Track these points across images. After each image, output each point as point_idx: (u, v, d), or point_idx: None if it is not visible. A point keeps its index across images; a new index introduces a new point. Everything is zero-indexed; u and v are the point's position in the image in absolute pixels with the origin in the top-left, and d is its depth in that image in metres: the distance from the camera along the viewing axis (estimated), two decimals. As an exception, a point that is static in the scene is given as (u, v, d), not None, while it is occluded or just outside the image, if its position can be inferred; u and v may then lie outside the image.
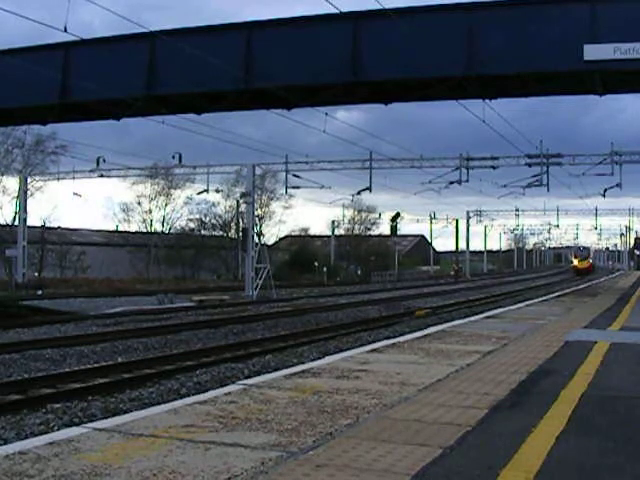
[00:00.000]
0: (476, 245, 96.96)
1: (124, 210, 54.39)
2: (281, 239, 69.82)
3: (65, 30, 15.68)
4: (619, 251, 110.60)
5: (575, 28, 17.48)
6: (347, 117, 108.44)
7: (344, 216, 70.05)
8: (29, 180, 40.82)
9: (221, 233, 58.33)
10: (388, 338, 12.40)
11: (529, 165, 33.90)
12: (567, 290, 30.99)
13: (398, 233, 60.42)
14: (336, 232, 70.04)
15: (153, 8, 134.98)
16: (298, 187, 39.24)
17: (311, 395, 5.82)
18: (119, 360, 13.61)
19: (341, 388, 6.15)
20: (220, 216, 58.30)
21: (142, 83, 20.73)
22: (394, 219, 56.22)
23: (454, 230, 75.33)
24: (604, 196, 36.43)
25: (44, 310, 24.05)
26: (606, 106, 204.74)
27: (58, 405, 9.54)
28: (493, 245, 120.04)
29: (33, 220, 42.99)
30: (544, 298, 23.55)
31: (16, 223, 39.70)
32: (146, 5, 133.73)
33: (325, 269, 53.91)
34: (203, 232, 58.04)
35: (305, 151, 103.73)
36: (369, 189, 36.83)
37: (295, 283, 47.45)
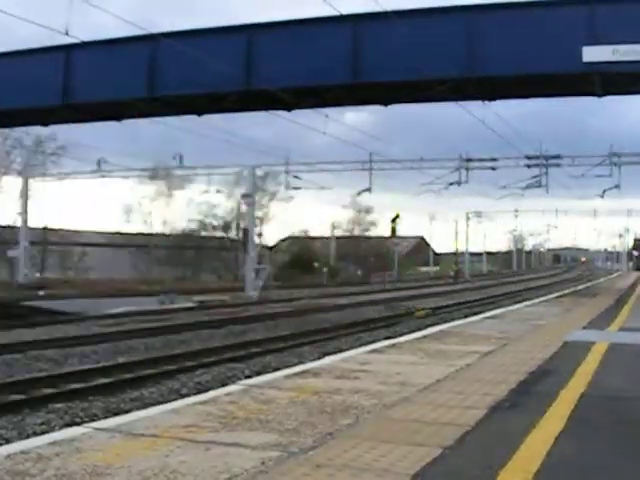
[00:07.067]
0: (475, 246, 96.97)
1: (125, 211, 54.28)
2: (282, 240, 69.82)
3: (66, 33, 15.75)
4: (618, 252, 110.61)
5: (574, 30, 17.52)
6: (355, 118, 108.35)
7: (344, 217, 70.16)
8: (30, 181, 40.82)
9: (222, 234, 58.29)
10: (388, 338, 12.42)
11: (528, 166, 33.91)
12: (566, 291, 31.01)
13: (398, 234, 60.39)
14: (336, 233, 70.03)
15: (162, 9, 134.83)
16: (299, 188, 39.26)
17: (311, 395, 5.84)
18: (120, 360, 13.63)
19: (341, 388, 6.18)
20: (221, 217, 58.27)
21: (143, 85, 20.77)
22: (394, 220, 56.18)
23: (454, 231, 75.36)
24: (602, 197, 36.41)
25: (46, 310, 24.04)
26: (611, 108, 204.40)
27: (59, 405, 9.57)
28: (492, 246, 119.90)
29: (35, 221, 43.01)
30: (543, 299, 23.58)
31: (18, 224, 39.67)
32: (155, 6, 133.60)
33: (325, 270, 53.88)
34: (204, 233, 58.00)
35: (311, 153, 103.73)
36: (369, 190, 36.87)
37: (295, 284, 47.39)
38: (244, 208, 44.74)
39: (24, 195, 39.18)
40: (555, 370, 7.31)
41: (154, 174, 48.33)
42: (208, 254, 56.08)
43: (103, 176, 39.30)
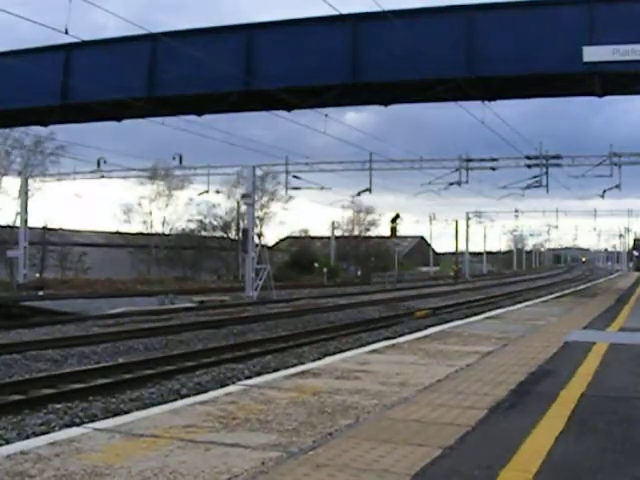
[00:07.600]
0: (476, 246, 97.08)
1: (125, 211, 54.30)
2: (281, 240, 69.88)
3: (66, 33, 15.74)
4: (618, 252, 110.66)
5: (574, 30, 17.51)
6: (355, 118, 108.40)
7: (344, 217, 70.21)
8: (29, 181, 40.84)
9: (221, 234, 58.34)
10: (388, 339, 12.42)
11: (528, 166, 33.90)
12: (566, 291, 31.02)
13: (398, 234, 60.46)
14: (336, 233, 70.07)
15: (166, 9, 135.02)
16: (298, 188, 39.28)
17: (311, 395, 5.84)
18: (120, 361, 13.63)
19: (341, 388, 6.18)
20: (221, 217, 58.33)
21: (143, 84, 20.77)
22: (394, 220, 56.25)
23: (454, 231, 75.43)
24: (603, 197, 36.42)
25: (45, 311, 24.05)
26: (611, 108, 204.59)
27: (59, 405, 9.57)
28: (492, 246, 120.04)
29: (34, 221, 43.04)
30: (543, 299, 23.58)
31: (17, 224, 39.69)
32: (159, 7, 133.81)
33: (325, 270, 53.93)
34: (204, 233, 58.05)
35: (311, 153, 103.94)
36: (369, 190, 36.88)
37: (295, 284, 47.43)
38: (244, 208, 44.79)
39: (23, 195, 39.20)
40: (555, 370, 7.30)
41: (154, 174, 48.38)
42: (208, 254, 56.11)
43: (102, 176, 39.34)
